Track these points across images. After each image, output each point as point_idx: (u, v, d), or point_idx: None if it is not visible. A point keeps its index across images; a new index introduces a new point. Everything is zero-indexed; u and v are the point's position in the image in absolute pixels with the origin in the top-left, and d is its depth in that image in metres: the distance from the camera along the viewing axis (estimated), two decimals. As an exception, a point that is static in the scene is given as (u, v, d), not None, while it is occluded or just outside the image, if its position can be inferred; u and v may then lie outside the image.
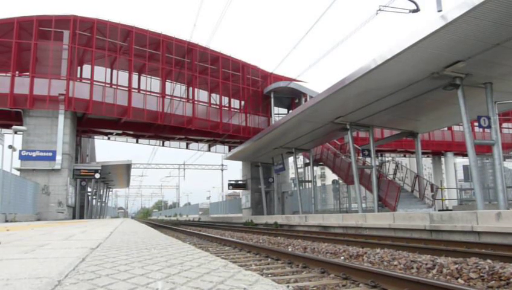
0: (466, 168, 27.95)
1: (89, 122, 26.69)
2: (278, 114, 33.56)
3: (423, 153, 28.66)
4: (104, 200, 47.64)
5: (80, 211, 30.28)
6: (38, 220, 20.52)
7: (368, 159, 21.86)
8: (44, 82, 23.18)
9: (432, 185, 20.28)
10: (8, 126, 23.56)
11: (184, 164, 55.83)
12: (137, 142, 32.39)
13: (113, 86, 25.70)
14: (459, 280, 4.49)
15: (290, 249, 8.08)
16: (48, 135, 22.93)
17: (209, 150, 36.01)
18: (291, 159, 32.62)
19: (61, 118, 22.92)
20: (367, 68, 13.17)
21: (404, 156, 40.18)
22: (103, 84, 25.28)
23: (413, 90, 14.39)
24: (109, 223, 14.35)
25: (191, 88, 29.12)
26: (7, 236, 5.37)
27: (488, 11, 9.56)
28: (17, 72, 23.60)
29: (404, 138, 22.86)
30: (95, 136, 33.75)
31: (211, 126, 29.44)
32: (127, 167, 35.04)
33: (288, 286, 4.07)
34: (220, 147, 36.31)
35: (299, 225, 18.11)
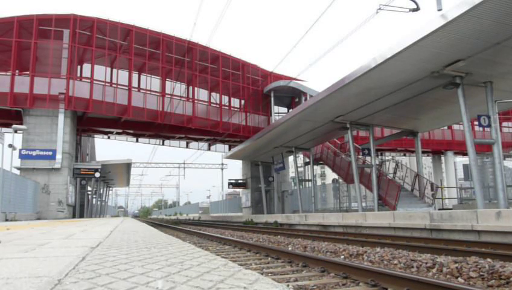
0: (466, 167, 27.95)
1: (89, 121, 26.69)
2: (278, 113, 33.55)
3: (423, 152, 28.66)
4: (104, 199, 47.67)
5: (80, 210, 30.30)
6: (39, 219, 20.54)
7: (367, 158, 21.85)
8: (45, 81, 23.17)
9: (432, 184, 20.29)
10: (8, 125, 23.57)
11: (184, 163, 55.81)
12: (137, 141, 32.39)
13: (113, 85, 25.69)
14: (459, 279, 4.50)
15: (290, 248, 8.09)
16: (48, 134, 22.93)
17: (209, 149, 36.02)
18: (291, 158, 32.66)
19: (61, 117, 22.92)
20: (367, 67, 13.16)
21: (404, 155, 40.18)
22: (103, 83, 25.28)
23: (414, 89, 14.39)
24: (109, 222, 14.36)
25: (191, 87, 29.11)
26: (7, 235, 5.37)
27: (488, 10, 9.56)
28: (17, 71, 23.58)
29: (404, 137, 22.85)
30: (95, 135, 33.72)
31: (211, 125, 29.44)
32: (127, 166, 35.06)
33: (288, 285, 4.06)
34: (220, 146, 36.33)
35: (299, 223, 18.12)
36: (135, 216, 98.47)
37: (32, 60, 23.17)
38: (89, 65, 25.02)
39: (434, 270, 4.94)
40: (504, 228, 8.31)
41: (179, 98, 27.85)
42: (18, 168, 22.15)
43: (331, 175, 58.29)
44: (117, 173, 39.11)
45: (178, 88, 28.35)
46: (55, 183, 22.75)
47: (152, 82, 27.46)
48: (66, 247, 3.51)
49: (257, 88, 32.31)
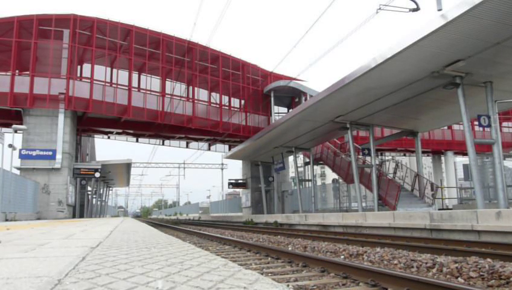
0: (466, 167, 27.93)
1: (89, 121, 26.69)
2: (278, 113, 33.55)
3: (423, 152, 28.65)
4: (104, 199, 47.66)
5: (80, 210, 30.29)
6: (39, 219, 20.54)
7: (367, 158, 21.85)
8: (45, 81, 23.17)
9: (432, 184, 20.29)
10: (8, 125, 23.56)
11: (184, 163, 55.81)
12: (137, 141, 32.39)
13: (113, 85, 25.69)
14: (459, 279, 4.50)
15: (290, 248, 8.09)
16: (48, 134, 22.93)
17: (209, 149, 36.02)
18: (291, 158, 32.65)
19: (61, 117, 22.92)
20: (367, 67, 13.17)
21: (404, 155, 40.18)
22: (103, 83, 25.27)
23: (414, 89, 14.39)
24: (109, 222, 14.36)
25: (191, 87, 29.12)
26: (7, 235, 5.37)
27: (487, 10, 9.56)
28: (17, 71, 23.57)
29: (404, 137, 22.86)
30: (95, 135, 33.72)
31: (211, 125, 29.44)
32: (127, 166, 35.04)
33: (288, 285, 4.06)
34: (220, 146, 36.33)
35: (299, 223, 18.12)
36: (136, 216, 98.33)
37: (32, 60, 23.17)
38: (89, 65, 25.01)
39: (434, 270, 4.94)
40: (504, 228, 8.31)
41: (179, 98, 27.85)
42: (18, 168, 22.15)
43: (331, 175, 58.28)
44: (117, 173, 39.10)
45: (178, 88, 28.35)
46: (55, 183, 22.75)
47: (152, 82, 27.46)
48: (66, 247, 3.51)
49: (257, 88, 32.31)
